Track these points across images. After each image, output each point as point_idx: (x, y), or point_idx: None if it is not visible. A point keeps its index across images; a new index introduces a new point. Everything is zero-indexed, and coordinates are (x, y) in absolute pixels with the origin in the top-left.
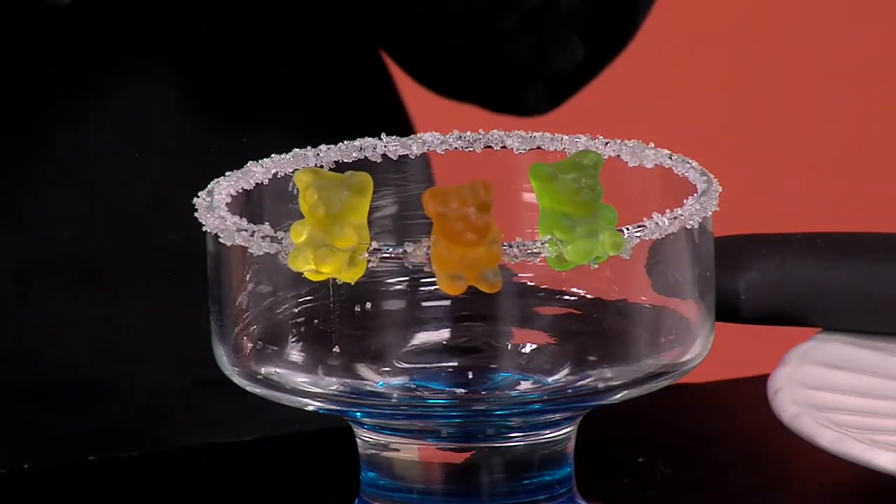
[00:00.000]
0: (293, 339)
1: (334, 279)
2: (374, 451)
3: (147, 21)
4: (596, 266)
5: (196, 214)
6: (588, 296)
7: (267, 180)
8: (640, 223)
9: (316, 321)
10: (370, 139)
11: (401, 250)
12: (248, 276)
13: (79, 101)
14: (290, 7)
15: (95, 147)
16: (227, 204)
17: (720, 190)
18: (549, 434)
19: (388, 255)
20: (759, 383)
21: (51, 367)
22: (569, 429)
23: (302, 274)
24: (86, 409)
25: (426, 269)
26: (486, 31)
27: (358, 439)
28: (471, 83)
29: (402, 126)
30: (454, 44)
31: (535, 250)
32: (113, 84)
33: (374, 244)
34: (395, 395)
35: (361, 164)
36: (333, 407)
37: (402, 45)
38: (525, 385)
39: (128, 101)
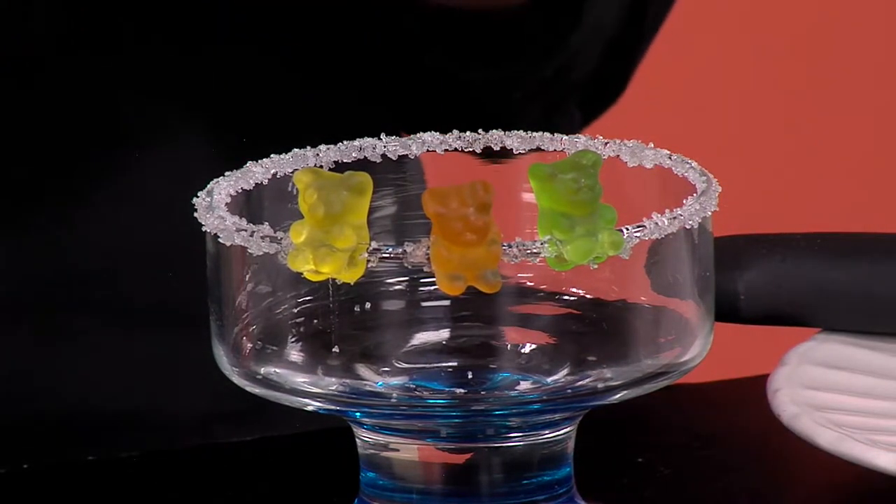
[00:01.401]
0: (293, 339)
1: (334, 279)
2: (373, 451)
3: (149, 22)
4: (595, 266)
5: (196, 215)
6: (588, 296)
7: (266, 180)
8: (640, 223)
9: (315, 321)
10: (370, 139)
11: (400, 250)
12: (247, 276)
13: (100, 124)
14: (292, 8)
15: (122, 173)
16: (226, 204)
17: (720, 190)
18: (549, 434)
19: (387, 256)
20: (759, 383)
21: (71, 398)
22: (568, 429)
23: (301, 274)
24: (105, 440)
25: (426, 269)
26: (497, 103)
27: (358, 439)
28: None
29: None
30: (460, 111)
31: (534, 250)
32: (137, 115)
33: (374, 244)
34: (394, 395)
35: (361, 164)
36: (333, 407)
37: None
38: (525, 385)
39: (156, 137)
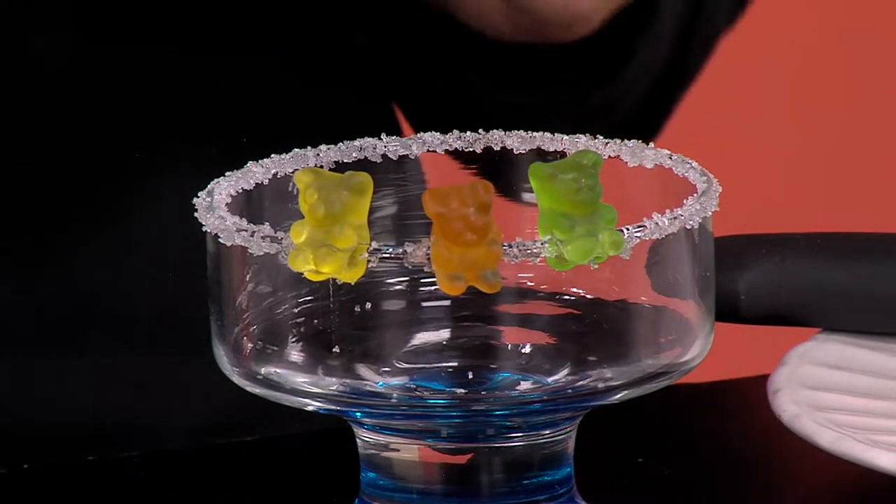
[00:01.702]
0: (293, 339)
1: (334, 279)
2: (373, 452)
3: (149, 23)
4: (596, 266)
5: (196, 215)
6: (588, 296)
7: (267, 180)
8: (640, 223)
9: (316, 321)
10: (370, 139)
11: (401, 250)
12: (248, 276)
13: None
14: (295, 8)
15: (122, 174)
16: (226, 204)
17: (720, 190)
18: (549, 434)
19: (388, 256)
20: (759, 383)
21: (71, 408)
22: (569, 429)
23: (302, 274)
24: (104, 448)
25: (426, 269)
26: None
27: (358, 439)
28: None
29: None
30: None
31: (535, 250)
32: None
33: (374, 244)
34: (395, 395)
35: (361, 164)
36: (333, 407)
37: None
38: (525, 385)
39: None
